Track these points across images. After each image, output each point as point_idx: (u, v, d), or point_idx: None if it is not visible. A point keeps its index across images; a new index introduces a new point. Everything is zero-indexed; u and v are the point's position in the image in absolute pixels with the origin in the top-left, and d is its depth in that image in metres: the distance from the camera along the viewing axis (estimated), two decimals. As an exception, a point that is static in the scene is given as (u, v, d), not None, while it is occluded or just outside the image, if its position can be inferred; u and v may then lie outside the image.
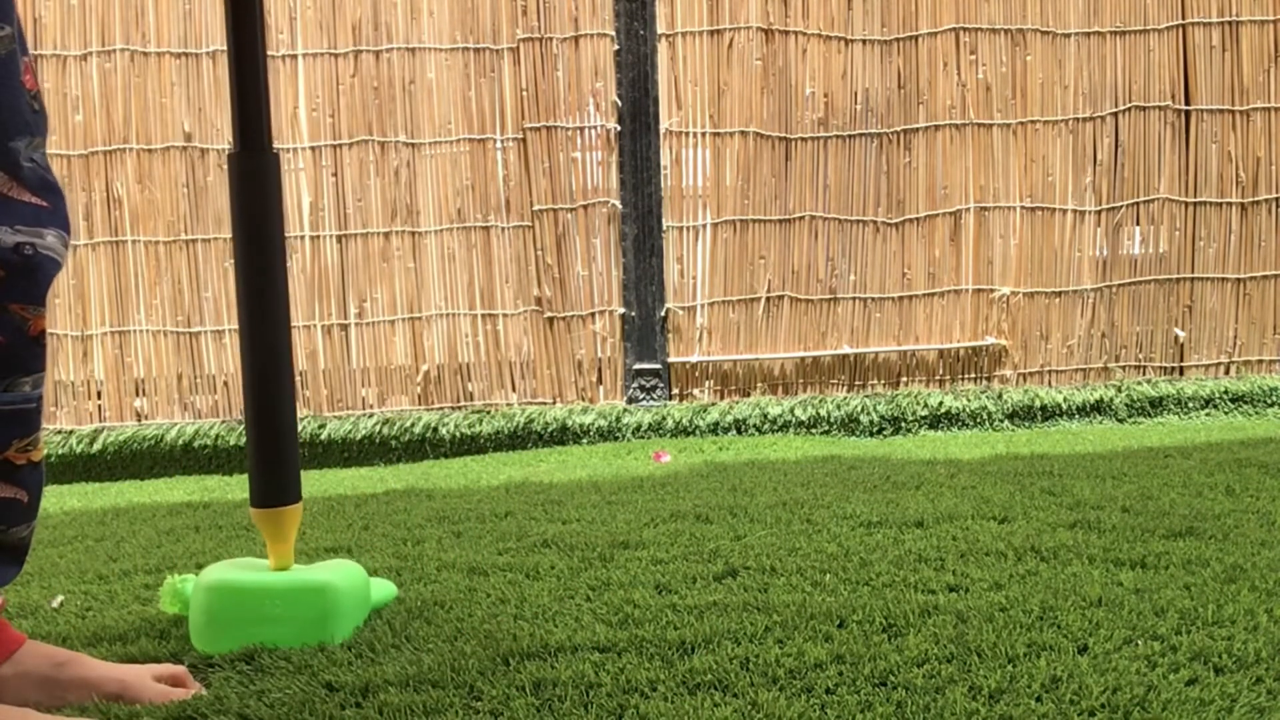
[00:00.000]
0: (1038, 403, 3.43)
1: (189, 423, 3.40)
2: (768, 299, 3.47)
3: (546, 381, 3.47)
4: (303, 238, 3.40)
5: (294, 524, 1.20)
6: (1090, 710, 0.92)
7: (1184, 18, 3.48)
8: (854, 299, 3.49)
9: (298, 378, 3.43)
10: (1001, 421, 3.44)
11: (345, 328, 3.43)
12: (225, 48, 3.37)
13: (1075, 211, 3.51)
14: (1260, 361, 3.57)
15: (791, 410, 3.39)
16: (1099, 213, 3.52)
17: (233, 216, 1.20)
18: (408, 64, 3.39)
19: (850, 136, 3.45)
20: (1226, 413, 3.45)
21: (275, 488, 1.19)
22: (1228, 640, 1.07)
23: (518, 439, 3.39)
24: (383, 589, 1.34)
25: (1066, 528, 1.61)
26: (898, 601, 1.23)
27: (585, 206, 3.43)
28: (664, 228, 3.44)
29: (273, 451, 1.19)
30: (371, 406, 3.46)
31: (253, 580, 1.17)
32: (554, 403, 3.47)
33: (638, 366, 3.46)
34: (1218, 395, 3.45)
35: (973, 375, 3.53)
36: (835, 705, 0.95)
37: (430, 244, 3.43)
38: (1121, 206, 3.52)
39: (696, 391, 3.49)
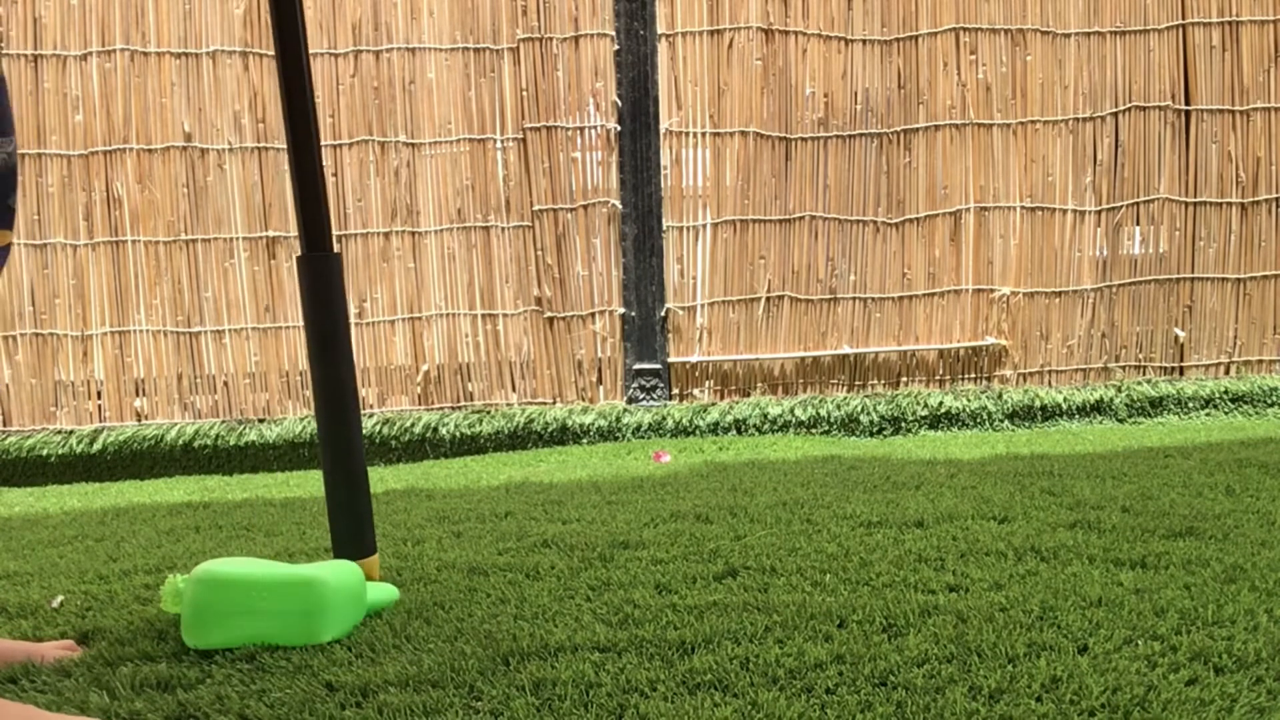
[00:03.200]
0: (1038, 403, 3.43)
1: (189, 423, 3.40)
2: (768, 299, 3.47)
3: (546, 381, 3.47)
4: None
5: (375, 568, 1.37)
6: (1090, 710, 0.92)
7: (1184, 18, 3.48)
8: (854, 299, 3.49)
9: (297, 378, 3.43)
10: (1001, 421, 3.44)
11: (345, 328, 3.42)
12: (225, 47, 3.35)
13: (1075, 211, 3.51)
14: (1260, 361, 3.57)
15: (791, 410, 3.39)
16: (1099, 213, 3.52)
17: (304, 314, 1.33)
18: (408, 64, 3.39)
19: (850, 136, 3.45)
20: (1226, 413, 3.44)
21: (362, 543, 1.35)
22: (1228, 640, 1.06)
23: (518, 439, 3.39)
24: (383, 592, 1.33)
25: (1066, 528, 1.61)
26: (898, 601, 1.23)
27: (585, 206, 3.43)
28: (664, 228, 3.44)
29: (356, 515, 1.34)
30: (371, 406, 3.46)
31: (240, 573, 1.17)
32: (554, 403, 3.47)
33: (638, 366, 3.46)
34: (1218, 395, 3.45)
35: (973, 375, 3.53)
36: (835, 705, 0.95)
37: (430, 244, 3.43)
38: (1121, 206, 3.52)
39: (696, 391, 3.49)
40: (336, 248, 3.41)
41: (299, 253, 1.33)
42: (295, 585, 1.17)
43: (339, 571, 1.22)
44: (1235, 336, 3.57)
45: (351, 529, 1.32)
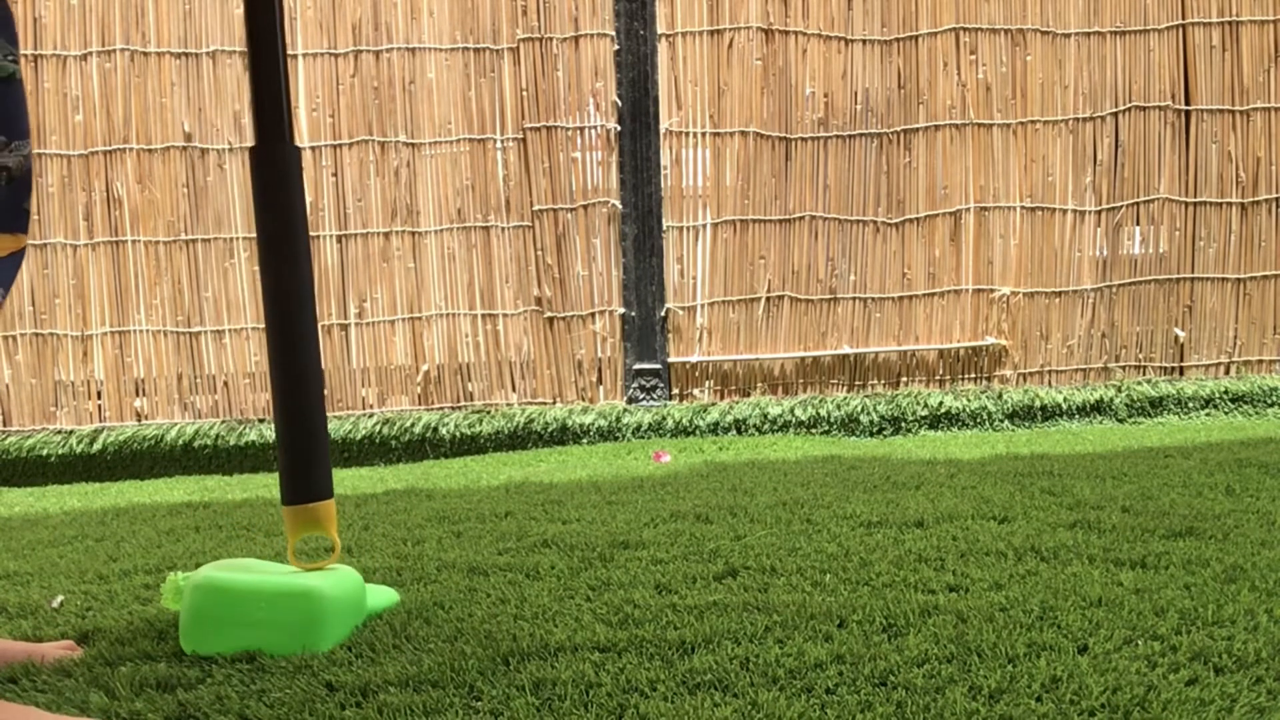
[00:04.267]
0: (1038, 403, 3.43)
1: (189, 423, 3.40)
2: (768, 299, 3.47)
3: (546, 381, 3.47)
4: (303, 238, 3.40)
5: (330, 519, 1.21)
6: (1090, 710, 0.92)
7: (1184, 18, 3.48)
8: (854, 299, 3.49)
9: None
10: (1001, 421, 3.43)
11: (345, 328, 3.43)
12: (225, 47, 3.35)
13: (1075, 211, 3.51)
14: (1260, 361, 3.57)
15: (791, 410, 3.39)
16: (1099, 213, 3.52)
17: (255, 211, 1.20)
18: (408, 64, 3.39)
19: (850, 136, 3.45)
20: (1226, 413, 3.44)
21: (307, 483, 1.19)
22: (1228, 640, 1.06)
23: (518, 439, 3.39)
24: (383, 596, 1.33)
25: (1066, 528, 1.61)
26: (898, 601, 1.23)
27: (585, 206, 3.43)
28: (664, 228, 3.44)
29: (303, 447, 1.19)
30: (371, 406, 3.46)
31: (239, 582, 1.16)
32: (554, 403, 3.47)
33: (638, 366, 3.46)
34: (1218, 395, 3.45)
35: (973, 375, 3.53)
36: (835, 705, 0.95)
37: (430, 244, 3.43)
38: (1121, 206, 3.52)
39: (696, 391, 3.49)
40: (337, 247, 3.41)
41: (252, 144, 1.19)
42: (294, 596, 1.16)
43: (338, 581, 1.21)
44: (1235, 336, 3.57)
45: (303, 466, 1.19)
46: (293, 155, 1.18)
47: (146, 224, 3.39)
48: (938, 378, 3.53)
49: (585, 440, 3.38)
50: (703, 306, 3.47)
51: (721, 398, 3.49)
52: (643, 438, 3.37)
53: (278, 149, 1.17)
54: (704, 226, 3.45)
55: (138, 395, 3.43)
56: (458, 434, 3.38)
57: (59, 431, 3.38)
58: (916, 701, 0.94)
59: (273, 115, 1.17)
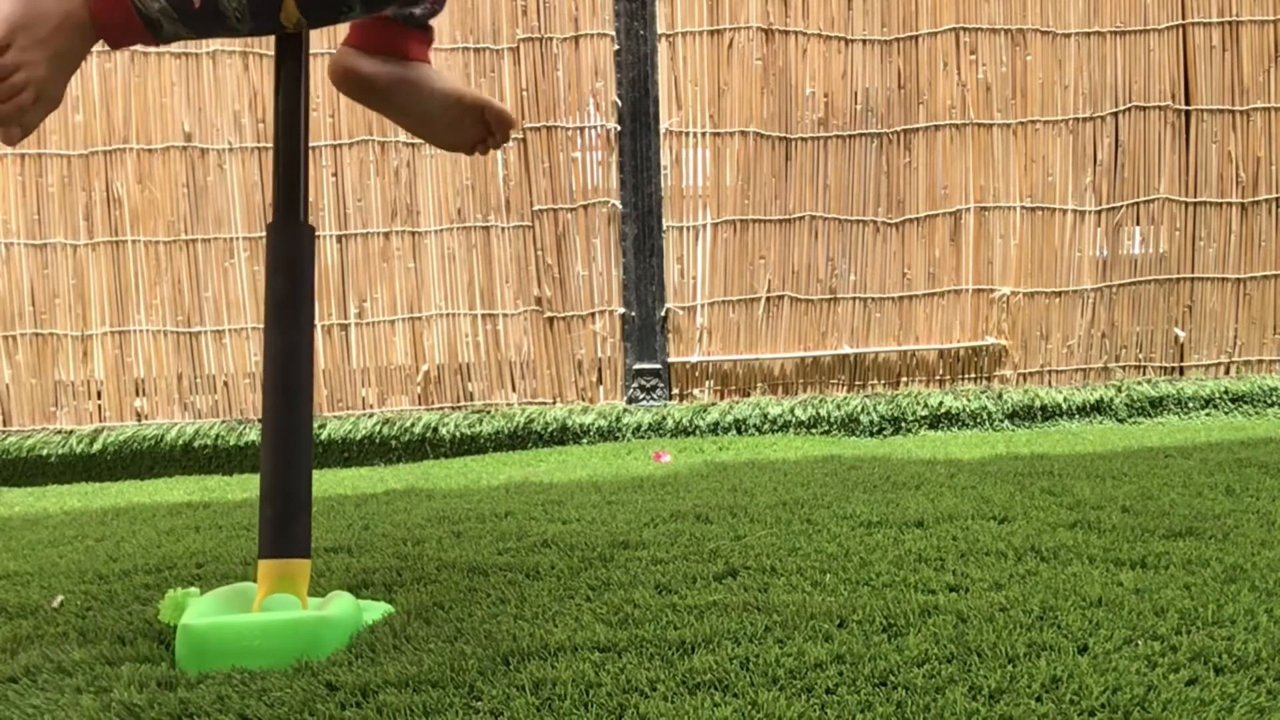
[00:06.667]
0: (1038, 403, 3.43)
1: (189, 423, 3.40)
2: (768, 299, 3.47)
3: (546, 381, 3.47)
4: (303, 238, 3.40)
5: (303, 579, 1.22)
6: (1090, 710, 0.92)
7: (1184, 18, 3.48)
8: (854, 299, 3.49)
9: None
10: (1001, 421, 3.44)
11: (345, 328, 3.43)
12: (225, 47, 3.35)
13: (1075, 211, 3.51)
14: (1260, 361, 3.57)
15: (791, 410, 3.39)
16: (1099, 213, 3.52)
17: (266, 276, 1.29)
18: (408, 64, 3.38)
19: (850, 136, 3.45)
20: (1226, 413, 3.45)
21: (287, 538, 1.22)
22: (1228, 640, 1.06)
23: (518, 439, 3.39)
24: (377, 612, 1.32)
25: (1066, 528, 1.61)
26: (898, 601, 1.23)
27: (585, 206, 3.43)
28: (664, 228, 3.44)
29: (287, 502, 1.22)
30: (371, 406, 3.46)
31: (230, 622, 1.16)
32: (554, 403, 3.47)
33: (638, 366, 3.46)
34: (1218, 395, 3.45)
35: (973, 375, 3.53)
36: (835, 705, 0.95)
37: (430, 244, 3.43)
38: (1121, 206, 3.52)
39: (696, 391, 3.49)
40: (337, 247, 3.41)
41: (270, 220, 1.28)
42: (288, 628, 1.16)
43: (334, 610, 1.20)
44: (1235, 336, 3.57)
45: (285, 521, 1.22)
46: (305, 233, 1.29)
47: (146, 224, 3.39)
48: (938, 378, 3.53)
49: (585, 440, 3.38)
50: (703, 306, 3.47)
51: (721, 398, 3.49)
52: (643, 438, 3.38)
53: (291, 227, 1.28)
54: (704, 226, 3.45)
55: (138, 395, 3.43)
56: (458, 434, 3.38)
57: (59, 431, 3.38)
58: (916, 701, 0.94)
59: (289, 195, 1.28)
